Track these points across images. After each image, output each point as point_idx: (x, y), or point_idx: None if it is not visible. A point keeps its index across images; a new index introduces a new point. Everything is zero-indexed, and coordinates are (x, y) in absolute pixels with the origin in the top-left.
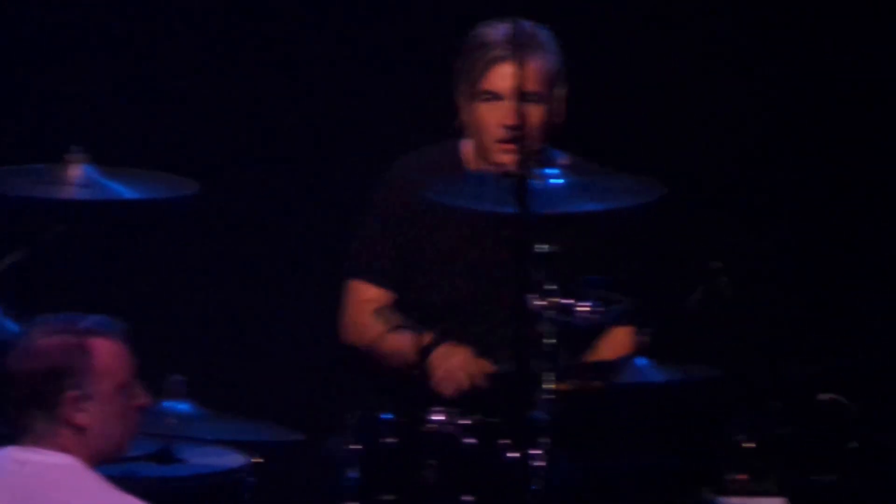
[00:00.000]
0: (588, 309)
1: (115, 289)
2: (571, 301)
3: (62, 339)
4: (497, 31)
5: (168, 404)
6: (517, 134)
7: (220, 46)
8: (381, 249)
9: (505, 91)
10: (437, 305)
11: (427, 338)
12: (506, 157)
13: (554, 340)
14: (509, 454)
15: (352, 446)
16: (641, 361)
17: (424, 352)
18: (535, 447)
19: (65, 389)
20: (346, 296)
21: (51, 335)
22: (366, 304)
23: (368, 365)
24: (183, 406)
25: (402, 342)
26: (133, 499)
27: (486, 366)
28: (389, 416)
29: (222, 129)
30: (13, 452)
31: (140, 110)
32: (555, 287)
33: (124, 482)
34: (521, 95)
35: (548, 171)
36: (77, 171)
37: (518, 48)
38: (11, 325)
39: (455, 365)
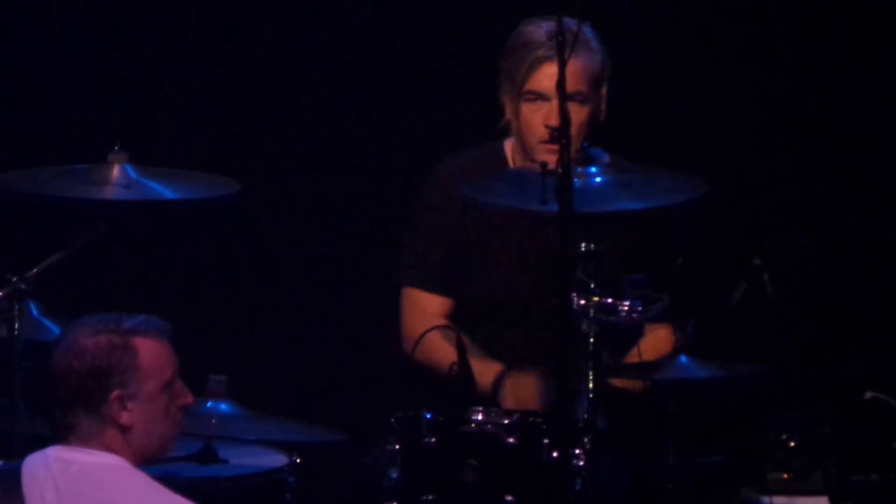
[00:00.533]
0: (630, 307)
1: (156, 288)
2: (614, 300)
3: (107, 338)
4: (541, 29)
5: (209, 404)
6: (561, 134)
7: (262, 47)
8: (432, 254)
9: (550, 91)
10: (484, 304)
11: (497, 367)
12: (549, 157)
13: (596, 339)
14: (551, 454)
15: (392, 446)
16: (684, 358)
17: (496, 382)
18: (576, 447)
19: (110, 389)
20: (404, 305)
21: (96, 335)
22: (426, 316)
23: (424, 373)
24: (224, 406)
25: (479, 370)
26: (182, 499)
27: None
28: (430, 415)
29: (264, 128)
30: (59, 452)
31: (181, 110)
32: (597, 286)
33: (166, 482)
34: (565, 95)
35: (590, 169)
36: (118, 172)
37: (562, 47)
38: (51, 325)
39: (525, 394)
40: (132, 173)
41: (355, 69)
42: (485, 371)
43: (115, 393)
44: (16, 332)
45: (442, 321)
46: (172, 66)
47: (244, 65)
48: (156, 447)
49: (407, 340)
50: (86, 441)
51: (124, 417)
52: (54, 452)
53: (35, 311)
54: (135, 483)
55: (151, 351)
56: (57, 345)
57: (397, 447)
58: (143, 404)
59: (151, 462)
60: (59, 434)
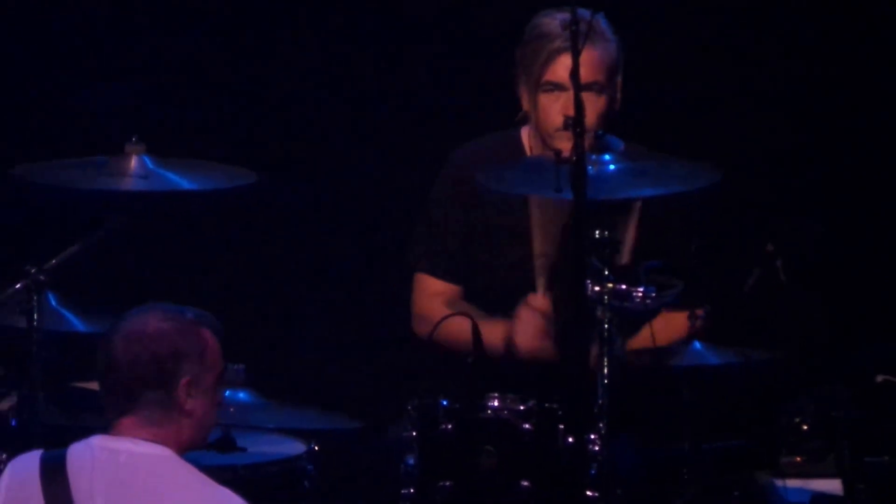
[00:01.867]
0: (644, 294)
1: (173, 278)
2: (628, 286)
3: (179, 324)
4: (556, 21)
5: (228, 393)
6: (576, 123)
7: (278, 38)
8: (446, 242)
9: (567, 82)
10: (499, 291)
11: (501, 324)
12: (567, 145)
13: (611, 325)
14: (566, 439)
15: (409, 433)
16: (698, 345)
17: (506, 337)
18: (592, 432)
19: (183, 373)
20: (415, 290)
21: (166, 320)
22: (434, 297)
23: (437, 353)
24: (243, 394)
25: (489, 329)
26: (228, 491)
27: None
28: (447, 402)
29: (281, 119)
30: (104, 441)
31: (198, 101)
32: (611, 272)
33: None
34: (579, 85)
35: (605, 157)
36: (136, 163)
37: (576, 37)
38: (69, 315)
39: (534, 332)
40: (150, 164)
41: (373, 59)
42: (492, 331)
43: (186, 378)
44: (35, 323)
45: (450, 304)
46: (189, 58)
47: (260, 55)
48: (200, 437)
49: (417, 321)
50: (140, 427)
51: (189, 404)
52: (99, 442)
53: (54, 302)
54: (182, 474)
55: (214, 343)
56: (115, 331)
57: (414, 434)
58: (203, 394)
59: (192, 450)
60: (108, 419)
